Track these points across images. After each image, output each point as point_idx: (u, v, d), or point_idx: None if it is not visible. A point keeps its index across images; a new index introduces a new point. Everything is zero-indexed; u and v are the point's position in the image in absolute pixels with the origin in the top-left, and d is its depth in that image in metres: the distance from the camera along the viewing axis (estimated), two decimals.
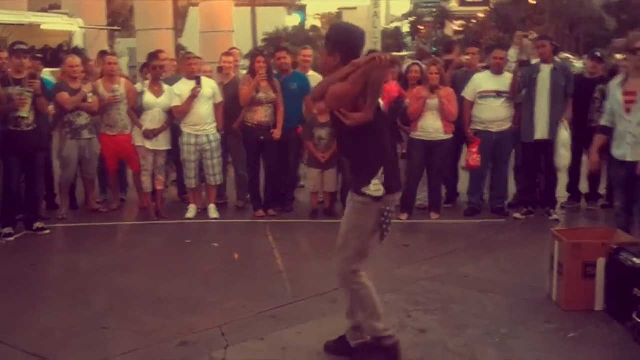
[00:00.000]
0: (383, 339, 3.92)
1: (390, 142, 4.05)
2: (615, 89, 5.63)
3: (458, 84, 7.73)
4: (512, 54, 7.72)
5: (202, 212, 7.83)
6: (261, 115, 7.55)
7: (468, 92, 7.55)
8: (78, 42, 15.67)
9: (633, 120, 5.43)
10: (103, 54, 9.25)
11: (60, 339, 4.51)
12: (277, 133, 7.57)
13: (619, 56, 11.86)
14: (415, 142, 7.36)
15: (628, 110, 5.46)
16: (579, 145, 7.61)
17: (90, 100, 7.65)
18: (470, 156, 7.48)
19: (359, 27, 4.00)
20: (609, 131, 5.68)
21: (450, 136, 7.38)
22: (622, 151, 5.51)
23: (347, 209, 3.97)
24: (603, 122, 5.81)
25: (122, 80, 8.18)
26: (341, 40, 3.87)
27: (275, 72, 7.93)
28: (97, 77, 8.18)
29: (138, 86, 7.89)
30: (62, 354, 4.27)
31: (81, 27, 16.51)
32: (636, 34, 5.76)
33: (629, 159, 5.46)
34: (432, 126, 7.28)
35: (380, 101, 3.89)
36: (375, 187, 3.77)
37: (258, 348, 4.31)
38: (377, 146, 3.84)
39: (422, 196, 7.74)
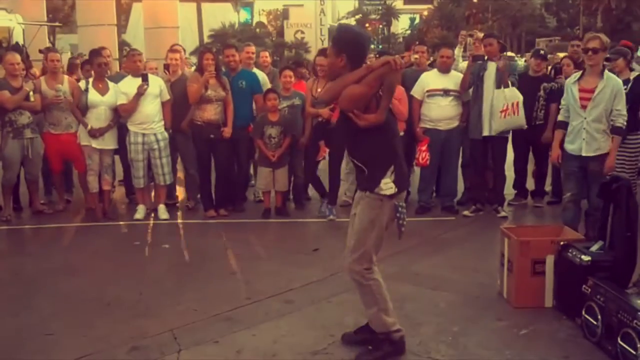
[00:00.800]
0: (392, 333, 4.03)
1: (399, 142, 4.14)
2: (571, 86, 5.83)
3: (407, 83, 7.78)
4: (457, 52, 7.83)
5: (151, 212, 7.71)
6: (210, 113, 7.45)
7: (416, 91, 7.61)
8: (18, 38, 15.26)
9: (588, 117, 5.66)
10: (48, 50, 9.01)
11: (5, 346, 4.37)
12: (227, 131, 7.48)
13: (560, 55, 12.19)
14: None
15: (583, 107, 5.68)
16: (525, 142, 7.77)
17: (32, 98, 7.44)
18: (420, 154, 7.54)
19: (367, 31, 4.05)
20: (567, 125, 5.89)
21: (401, 135, 7.40)
22: (576, 146, 5.74)
23: (360, 207, 4.03)
24: (561, 117, 6.00)
25: (66, 77, 7.98)
26: (350, 43, 3.92)
27: (223, 69, 7.85)
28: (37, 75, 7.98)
29: (82, 84, 7.69)
30: None
31: (20, 23, 16.08)
32: (589, 35, 5.95)
33: (583, 153, 5.70)
34: None
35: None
36: (387, 186, 3.90)
37: (212, 351, 4.25)
38: (388, 146, 3.96)
39: None
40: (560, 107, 6.14)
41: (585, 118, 5.68)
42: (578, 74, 5.93)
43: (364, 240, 3.98)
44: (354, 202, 4.21)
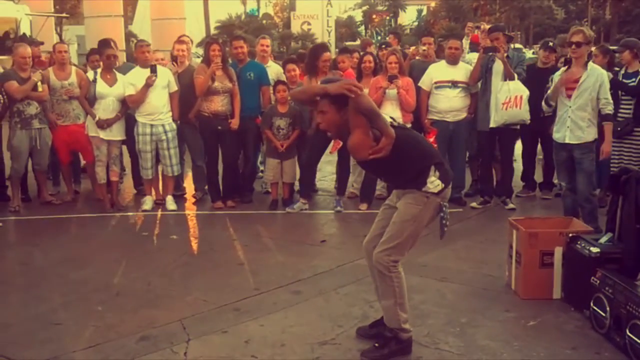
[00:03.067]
0: (401, 332, 4.01)
1: (424, 141, 4.14)
2: (558, 77, 6.11)
3: (415, 74, 7.76)
4: (464, 43, 7.81)
5: (159, 203, 7.73)
6: (217, 104, 7.45)
7: (424, 82, 7.59)
8: (25, 29, 15.27)
9: (573, 105, 5.93)
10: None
11: (16, 335, 4.39)
12: (234, 123, 7.48)
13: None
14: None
15: (569, 97, 5.97)
16: (533, 134, 7.75)
17: (40, 89, 7.46)
18: None
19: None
20: None
21: (408, 126, 7.40)
22: (561, 134, 6.03)
23: (404, 200, 3.95)
24: (545, 105, 6.27)
25: (74, 68, 8.00)
26: None
27: (230, 61, 7.85)
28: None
29: (90, 75, 7.71)
30: (19, 351, 4.15)
31: (27, 14, 16.09)
32: (573, 28, 6.15)
33: (567, 141, 5.98)
34: (391, 115, 7.27)
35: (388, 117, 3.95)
36: (434, 184, 3.86)
37: (220, 341, 4.26)
38: (417, 150, 3.93)
39: (381, 186, 7.77)
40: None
41: (570, 107, 5.95)
42: (565, 67, 6.14)
43: (401, 232, 3.91)
44: (393, 195, 4.15)
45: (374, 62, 7.78)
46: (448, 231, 4.07)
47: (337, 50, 8.03)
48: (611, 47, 8.27)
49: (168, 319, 4.58)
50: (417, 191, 3.89)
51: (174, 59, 8.15)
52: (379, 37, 49.45)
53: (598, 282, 4.33)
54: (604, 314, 4.20)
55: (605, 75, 5.97)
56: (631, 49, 6.97)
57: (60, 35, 24.83)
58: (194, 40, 12.90)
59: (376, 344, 4.05)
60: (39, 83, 7.44)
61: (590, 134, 5.93)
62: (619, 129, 6.67)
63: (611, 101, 5.94)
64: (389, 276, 3.94)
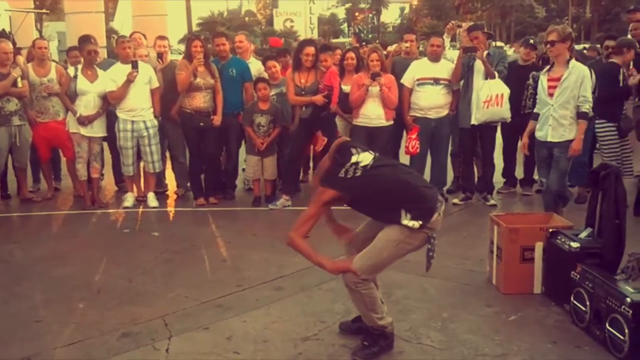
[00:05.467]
0: (385, 328, 4.01)
1: (397, 173, 3.93)
2: (542, 77, 6.19)
3: (397, 71, 7.78)
4: (445, 41, 7.85)
5: (141, 200, 7.69)
6: (200, 101, 7.42)
7: (407, 79, 7.60)
8: (4, 25, 15.10)
9: (555, 103, 5.95)
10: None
11: None
12: (217, 119, 7.46)
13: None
14: (357, 129, 7.39)
15: (551, 95, 5.99)
16: (514, 131, 7.80)
17: (19, 85, 7.38)
18: (410, 143, 7.55)
19: None
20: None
21: (391, 123, 7.43)
22: (543, 132, 6.06)
23: (393, 225, 3.83)
24: (536, 109, 6.28)
25: (53, 65, 7.94)
26: None
27: (212, 57, 7.82)
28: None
29: (70, 71, 7.65)
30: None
31: (7, 10, 15.91)
32: (550, 28, 6.20)
33: (549, 139, 6.02)
34: (373, 113, 7.31)
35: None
36: (410, 223, 3.75)
37: (203, 338, 4.25)
38: (384, 197, 3.80)
39: None
40: (531, 99, 6.38)
41: (552, 105, 5.97)
42: (548, 66, 6.23)
43: (380, 252, 3.82)
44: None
45: (357, 59, 7.79)
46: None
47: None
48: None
49: (150, 315, 4.56)
50: (398, 225, 3.79)
51: (159, 55, 8.11)
52: (362, 35, 49.52)
53: (578, 276, 4.37)
54: (584, 308, 4.24)
55: (587, 73, 5.97)
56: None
57: (40, 32, 24.59)
58: (175, 37, 12.85)
59: (365, 342, 4.03)
60: (19, 79, 7.37)
61: (572, 132, 5.94)
62: None
63: (590, 100, 5.93)
64: (356, 290, 3.90)
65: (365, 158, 3.85)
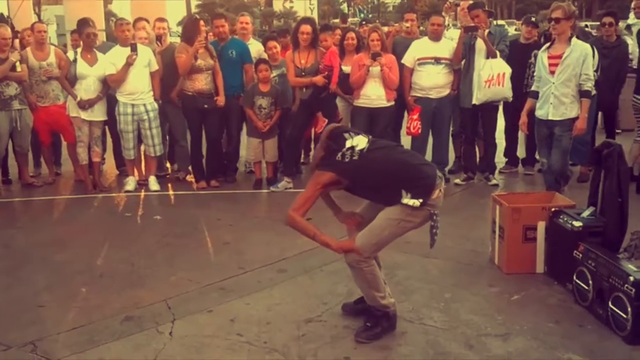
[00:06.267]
0: (386, 307, 4.01)
1: (394, 154, 3.97)
2: (541, 54, 6.11)
3: (398, 51, 7.73)
4: (446, 20, 7.79)
5: (142, 184, 7.68)
6: (201, 83, 7.39)
7: (407, 59, 7.56)
8: (2, 9, 15.03)
9: (556, 81, 5.91)
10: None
11: None
12: (220, 100, 7.44)
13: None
14: (358, 110, 7.36)
15: (552, 73, 5.94)
16: (516, 110, 7.75)
17: (18, 69, 7.35)
18: (411, 123, 7.51)
19: None
20: (538, 95, 6.12)
21: (392, 103, 7.40)
22: (544, 111, 6.02)
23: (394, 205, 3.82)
24: (534, 87, 6.26)
25: (53, 48, 7.90)
26: None
27: (211, 39, 7.77)
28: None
29: (70, 54, 7.61)
30: (3, 333, 4.12)
31: None
32: (553, 4, 6.10)
33: (550, 117, 5.98)
34: (374, 93, 7.28)
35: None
36: (411, 201, 3.75)
37: (206, 320, 4.26)
38: (381, 178, 3.81)
39: None
40: (533, 77, 6.41)
41: (553, 83, 5.92)
42: (548, 44, 6.17)
43: (381, 230, 3.83)
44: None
45: (357, 39, 7.74)
46: None
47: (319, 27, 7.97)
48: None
49: (153, 299, 4.56)
50: (399, 205, 3.79)
51: (159, 37, 8.07)
52: (362, 15, 49.26)
53: (581, 255, 4.37)
54: (586, 287, 4.24)
55: (589, 50, 5.94)
56: None
57: (38, 15, 24.45)
58: (174, 19, 12.78)
59: (368, 324, 4.04)
60: (18, 63, 7.34)
61: (574, 110, 5.93)
62: None
63: (592, 77, 5.91)
64: (358, 268, 3.91)
65: (360, 141, 3.86)
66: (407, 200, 3.74)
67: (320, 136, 4.06)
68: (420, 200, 3.75)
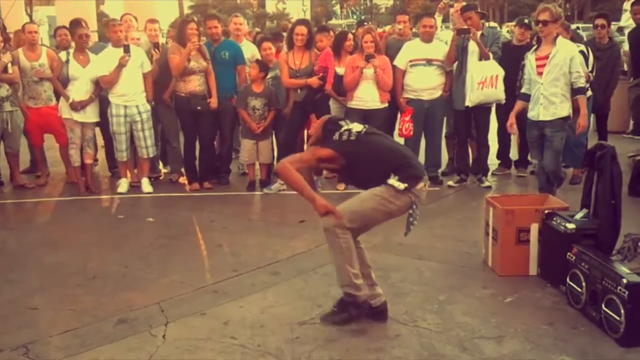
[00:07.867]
0: (355, 289, 4.04)
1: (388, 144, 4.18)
2: (529, 56, 6.14)
3: (391, 53, 7.73)
4: (437, 21, 7.81)
5: (135, 186, 7.66)
6: (195, 84, 7.38)
7: (399, 61, 7.56)
8: None
9: (544, 82, 5.93)
10: None
11: None
12: (213, 102, 7.43)
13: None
14: (352, 112, 7.35)
15: (540, 74, 5.96)
16: (508, 112, 7.76)
17: (10, 70, 7.32)
18: (403, 125, 7.52)
19: None
20: (529, 98, 6.14)
21: (386, 105, 7.40)
22: (535, 112, 6.04)
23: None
24: (523, 89, 6.29)
25: (44, 49, 7.86)
26: None
27: (204, 40, 7.75)
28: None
29: (62, 55, 7.57)
30: None
31: None
32: (540, 6, 6.14)
33: (541, 118, 5.99)
34: (368, 95, 7.27)
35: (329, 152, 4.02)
36: (396, 183, 3.91)
37: (199, 323, 4.24)
38: (371, 162, 4.01)
39: None
40: (523, 80, 6.46)
41: (542, 83, 5.95)
42: (535, 46, 6.19)
43: (363, 202, 3.98)
44: None
45: (354, 41, 7.73)
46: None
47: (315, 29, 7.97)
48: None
49: (146, 301, 4.54)
50: (385, 184, 3.95)
51: (156, 45, 8.04)
52: (355, 17, 49.28)
53: (574, 258, 4.37)
54: (580, 290, 4.25)
55: (575, 50, 5.99)
56: None
57: (30, 16, 24.36)
58: (166, 20, 12.75)
59: (334, 309, 4.12)
60: (9, 64, 7.30)
61: (564, 109, 5.94)
62: None
63: (582, 74, 5.96)
64: (333, 232, 3.95)
65: (356, 126, 4.15)
66: (393, 181, 3.92)
67: (315, 126, 4.21)
68: (406, 185, 3.91)
